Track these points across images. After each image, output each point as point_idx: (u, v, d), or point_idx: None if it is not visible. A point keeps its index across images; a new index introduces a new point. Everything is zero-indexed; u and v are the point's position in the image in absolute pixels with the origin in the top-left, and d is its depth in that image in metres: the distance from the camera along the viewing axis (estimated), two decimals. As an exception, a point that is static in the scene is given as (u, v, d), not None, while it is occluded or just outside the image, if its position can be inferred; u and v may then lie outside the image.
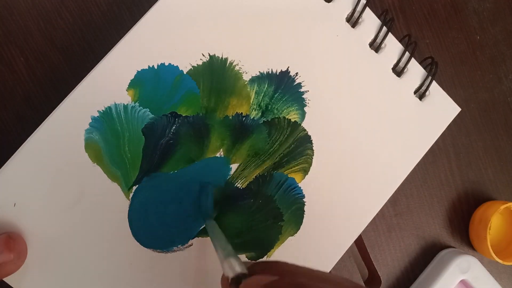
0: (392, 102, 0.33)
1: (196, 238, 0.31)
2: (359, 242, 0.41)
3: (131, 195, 0.30)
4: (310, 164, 0.32)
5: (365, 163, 0.33)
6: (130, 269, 0.30)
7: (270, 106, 0.31)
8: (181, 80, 0.30)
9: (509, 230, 0.41)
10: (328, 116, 0.32)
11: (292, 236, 0.32)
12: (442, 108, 0.34)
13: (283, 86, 0.31)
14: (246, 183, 0.31)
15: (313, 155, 0.32)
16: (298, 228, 0.32)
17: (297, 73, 0.31)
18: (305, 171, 0.32)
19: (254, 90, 0.31)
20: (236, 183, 0.31)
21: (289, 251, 0.32)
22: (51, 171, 0.28)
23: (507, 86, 0.43)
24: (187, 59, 0.30)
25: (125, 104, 0.29)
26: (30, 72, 0.35)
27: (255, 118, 0.31)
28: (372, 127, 0.33)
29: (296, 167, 0.32)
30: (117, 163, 0.29)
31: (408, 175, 0.33)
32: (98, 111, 0.29)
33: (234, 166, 0.31)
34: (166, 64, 0.30)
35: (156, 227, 0.30)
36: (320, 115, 0.32)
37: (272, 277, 0.21)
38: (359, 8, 0.32)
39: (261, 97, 0.31)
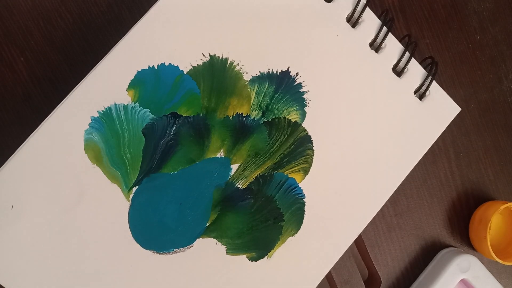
0: (392, 102, 0.33)
1: (197, 239, 0.31)
2: (359, 242, 0.41)
3: (131, 196, 0.30)
4: (311, 164, 0.32)
5: (365, 163, 0.33)
6: (130, 271, 0.30)
7: (270, 106, 0.31)
8: (181, 80, 0.30)
9: (509, 230, 0.41)
10: (329, 116, 0.32)
11: (292, 236, 0.32)
12: (442, 108, 0.34)
13: (284, 86, 0.31)
14: (246, 184, 0.31)
15: (313, 155, 0.32)
16: (299, 228, 0.32)
17: (297, 73, 0.31)
18: (306, 171, 0.32)
19: (255, 90, 0.31)
20: (237, 184, 0.31)
21: (289, 251, 0.32)
22: (50, 172, 0.28)
23: (507, 86, 0.43)
24: (187, 59, 0.30)
25: (125, 104, 0.29)
26: (30, 72, 0.35)
27: (255, 119, 0.31)
28: (372, 127, 0.33)
29: (297, 167, 0.32)
30: (117, 164, 0.29)
31: (408, 175, 0.33)
32: (98, 111, 0.29)
33: (234, 167, 0.31)
34: (167, 64, 0.29)
35: (157, 228, 0.30)
36: (320, 115, 0.32)
37: None
38: (359, 8, 0.32)
39: (261, 97, 0.31)
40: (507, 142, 0.43)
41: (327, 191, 0.32)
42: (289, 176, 0.32)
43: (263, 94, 0.31)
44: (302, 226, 0.32)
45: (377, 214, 0.33)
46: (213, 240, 0.31)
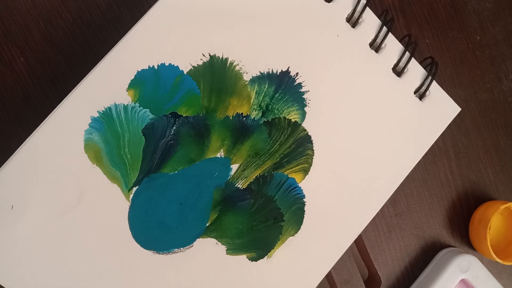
0: (392, 102, 0.33)
1: (197, 239, 0.31)
2: (359, 242, 0.41)
3: (131, 196, 0.30)
4: (310, 164, 0.32)
5: (365, 163, 0.33)
6: (130, 271, 0.30)
7: (270, 106, 0.31)
8: (181, 80, 0.30)
9: (509, 230, 0.41)
10: (329, 116, 0.32)
11: (292, 236, 0.32)
12: (442, 108, 0.34)
13: (284, 86, 0.31)
14: (246, 184, 0.31)
15: (313, 155, 0.32)
16: (299, 228, 0.32)
17: (297, 73, 0.31)
18: (305, 171, 0.32)
19: (255, 90, 0.31)
20: (237, 184, 0.31)
21: (289, 251, 0.32)
22: (50, 172, 0.28)
23: (507, 86, 0.43)
24: (187, 59, 0.30)
25: (125, 104, 0.29)
26: (30, 72, 0.35)
27: (255, 118, 0.31)
28: (372, 127, 0.33)
29: (297, 167, 0.32)
30: (117, 164, 0.29)
31: (408, 175, 0.33)
32: (98, 111, 0.29)
33: (234, 167, 0.31)
34: (167, 64, 0.29)
35: (157, 228, 0.30)
36: (320, 115, 0.32)
37: None
38: (359, 8, 0.32)
39: (261, 97, 0.31)
40: (507, 142, 0.43)
41: (327, 191, 0.32)
42: (289, 176, 0.32)
43: (263, 94, 0.31)
44: (302, 226, 0.32)
45: (377, 214, 0.33)
46: (213, 240, 0.31)
